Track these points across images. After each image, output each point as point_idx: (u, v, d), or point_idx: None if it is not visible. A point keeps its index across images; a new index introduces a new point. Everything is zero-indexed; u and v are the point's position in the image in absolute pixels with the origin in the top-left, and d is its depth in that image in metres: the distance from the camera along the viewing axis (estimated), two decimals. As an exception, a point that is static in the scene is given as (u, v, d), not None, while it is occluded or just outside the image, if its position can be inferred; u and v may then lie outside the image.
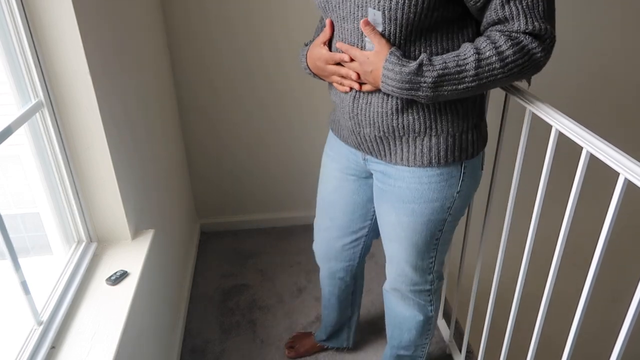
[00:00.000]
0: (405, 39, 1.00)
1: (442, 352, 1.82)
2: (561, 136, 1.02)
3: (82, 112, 1.19)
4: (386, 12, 0.96)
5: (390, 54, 0.99)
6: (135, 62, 1.60)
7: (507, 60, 0.93)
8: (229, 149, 2.39)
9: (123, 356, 1.11)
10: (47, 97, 1.14)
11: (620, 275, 2.43)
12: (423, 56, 0.97)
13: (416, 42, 1.00)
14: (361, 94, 1.10)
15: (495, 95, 1.32)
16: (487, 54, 0.94)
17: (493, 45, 0.94)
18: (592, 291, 0.98)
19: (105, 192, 1.29)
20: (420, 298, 1.40)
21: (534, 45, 0.93)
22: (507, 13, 0.93)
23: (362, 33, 1.02)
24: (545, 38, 0.94)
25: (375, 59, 1.01)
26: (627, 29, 2.37)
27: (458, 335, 1.80)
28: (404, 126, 1.08)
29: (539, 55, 0.94)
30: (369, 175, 1.31)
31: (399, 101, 1.05)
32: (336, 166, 1.35)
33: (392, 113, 1.07)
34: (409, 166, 1.14)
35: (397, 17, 0.96)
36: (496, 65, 0.94)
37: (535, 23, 0.92)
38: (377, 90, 1.07)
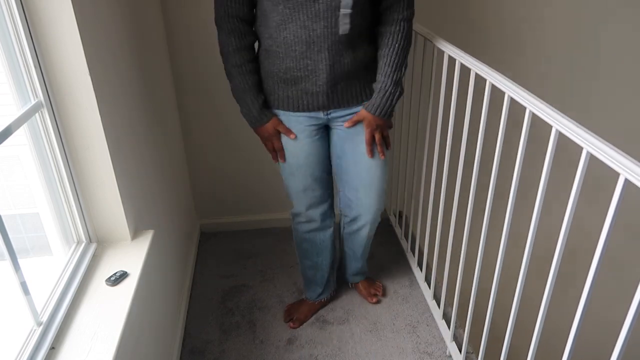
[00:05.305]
0: (359, 15, 1.37)
1: (442, 353, 1.82)
2: (561, 136, 1.02)
3: (81, 113, 1.19)
4: None
5: (370, 113, 1.50)
6: (135, 62, 1.60)
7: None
8: (229, 149, 2.39)
9: (123, 356, 1.11)
10: (46, 98, 1.14)
11: (620, 275, 2.43)
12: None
13: (360, 15, 1.38)
14: (337, 62, 1.41)
15: (496, 95, 1.32)
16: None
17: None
18: (592, 291, 0.98)
19: (105, 193, 1.29)
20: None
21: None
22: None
23: (336, 7, 1.31)
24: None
25: (375, 121, 1.51)
26: (627, 25, 2.37)
27: (458, 335, 1.80)
28: (367, 67, 1.49)
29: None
30: (325, 131, 1.62)
31: (365, 54, 1.46)
32: (305, 140, 1.57)
33: (364, 63, 1.47)
34: (368, 100, 1.52)
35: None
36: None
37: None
38: (349, 51, 1.41)
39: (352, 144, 1.59)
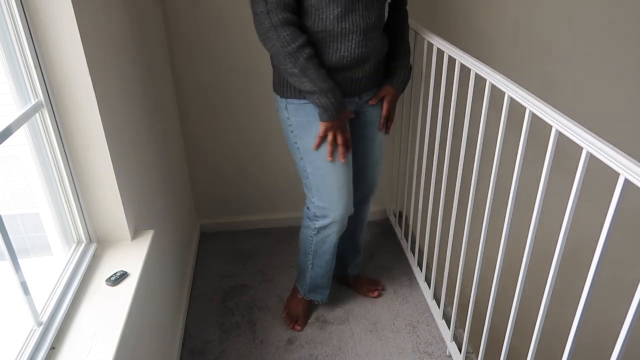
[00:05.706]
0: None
1: (442, 353, 1.82)
2: (561, 136, 1.02)
3: (81, 113, 1.19)
4: None
5: (395, 88, 1.66)
6: (135, 62, 1.60)
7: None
8: (229, 149, 2.39)
9: (123, 356, 1.11)
10: (46, 98, 1.14)
11: (620, 275, 2.43)
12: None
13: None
14: (383, 46, 1.55)
15: (496, 95, 1.32)
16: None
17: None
18: (592, 291, 0.98)
19: (105, 193, 1.29)
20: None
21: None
22: None
23: None
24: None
25: (396, 95, 1.68)
26: (628, 27, 2.37)
27: (458, 335, 1.80)
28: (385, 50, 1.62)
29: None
30: None
31: (386, 37, 1.59)
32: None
33: (386, 44, 1.59)
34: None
35: None
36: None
37: None
38: (385, 36, 1.57)
39: (373, 126, 1.70)
